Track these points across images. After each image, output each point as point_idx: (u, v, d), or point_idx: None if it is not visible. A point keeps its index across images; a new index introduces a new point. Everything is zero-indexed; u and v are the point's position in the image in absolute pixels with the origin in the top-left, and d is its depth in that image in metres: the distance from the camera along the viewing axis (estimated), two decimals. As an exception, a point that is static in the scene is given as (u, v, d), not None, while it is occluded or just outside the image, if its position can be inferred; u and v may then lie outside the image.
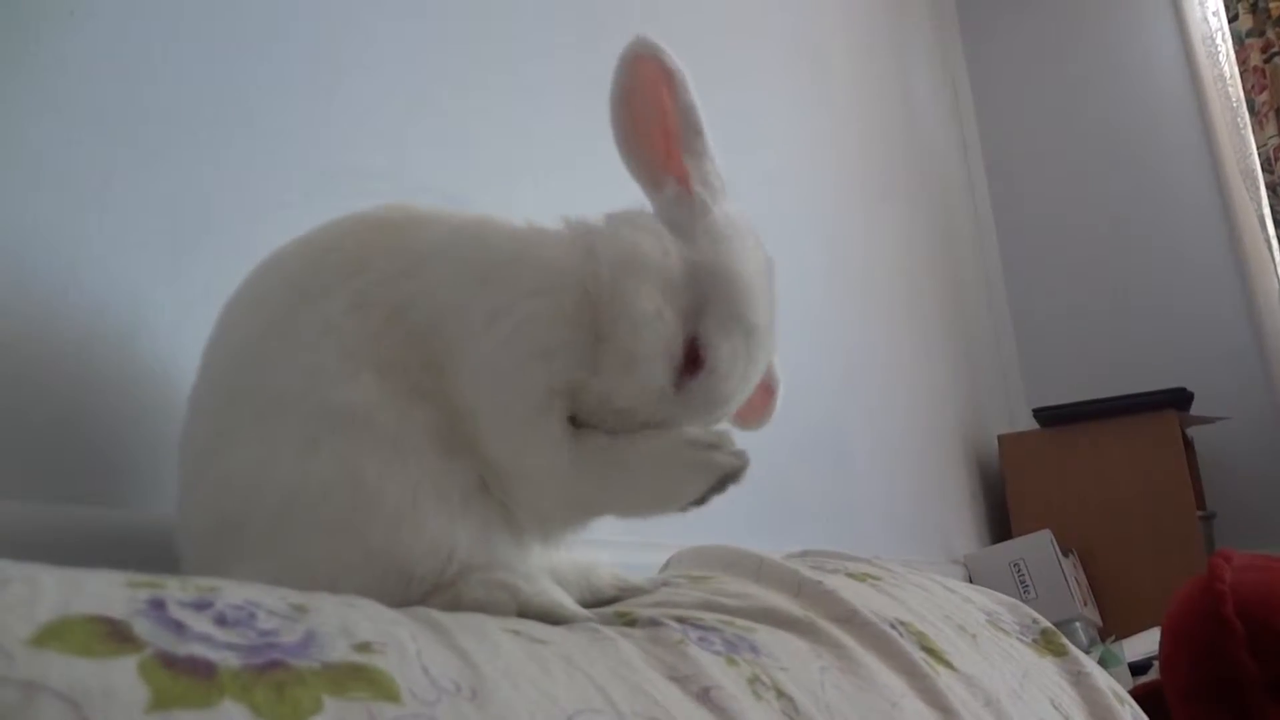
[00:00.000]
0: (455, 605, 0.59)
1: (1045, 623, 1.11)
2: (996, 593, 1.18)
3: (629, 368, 0.63)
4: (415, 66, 1.22)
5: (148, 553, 0.77)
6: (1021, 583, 2.78)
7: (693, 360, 0.65)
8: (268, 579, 0.54)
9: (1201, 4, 3.84)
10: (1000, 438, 3.32)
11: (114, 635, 0.33)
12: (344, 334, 0.62)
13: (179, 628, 0.35)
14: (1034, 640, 1.05)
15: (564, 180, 1.39)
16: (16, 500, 0.73)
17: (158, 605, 0.36)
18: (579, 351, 0.64)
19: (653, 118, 0.71)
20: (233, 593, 0.40)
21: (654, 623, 0.59)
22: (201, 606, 0.38)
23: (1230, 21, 3.64)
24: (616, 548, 1.04)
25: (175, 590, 0.39)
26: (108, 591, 0.36)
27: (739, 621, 0.64)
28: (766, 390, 0.80)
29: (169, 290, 0.88)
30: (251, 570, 0.56)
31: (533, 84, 1.41)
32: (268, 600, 0.41)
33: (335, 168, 1.08)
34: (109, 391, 0.82)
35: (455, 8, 1.30)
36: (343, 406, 0.59)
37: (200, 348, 0.89)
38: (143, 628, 0.34)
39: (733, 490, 0.68)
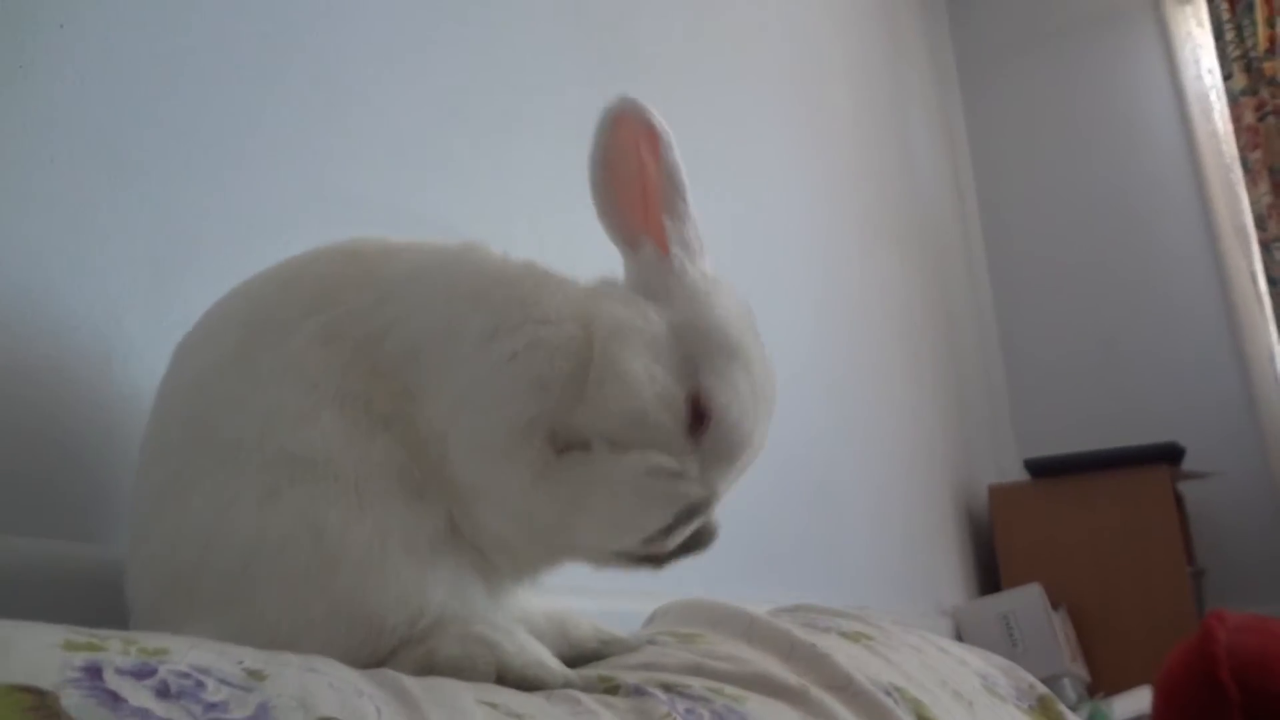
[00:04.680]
0: (429, 663, 0.56)
1: (1041, 688, 1.07)
2: (990, 654, 1.14)
3: (637, 425, 0.61)
4: (416, 97, 1.20)
5: (110, 590, 0.73)
6: (1010, 636, 2.74)
7: (699, 416, 0.63)
8: (227, 637, 0.51)
9: (1196, 62, 3.87)
10: (991, 488, 3.29)
11: (39, 711, 0.30)
12: (307, 368, 0.59)
13: (114, 700, 0.32)
14: (1030, 707, 1.01)
15: (560, 219, 1.37)
16: (-27, 533, 0.70)
17: (93, 672, 0.33)
18: (573, 390, 0.61)
19: (632, 177, 0.70)
20: (181, 656, 0.37)
21: (639, 691, 0.56)
22: (143, 674, 0.34)
23: (1224, 80, 3.67)
24: (600, 596, 1.00)
25: (116, 653, 0.35)
26: (39, 656, 0.33)
27: (728, 689, 0.61)
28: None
29: (147, 313, 0.84)
30: (209, 629, 0.52)
31: (534, 121, 1.39)
32: (220, 666, 0.37)
33: (329, 193, 1.05)
34: (78, 416, 0.78)
35: (459, 41, 1.29)
36: (302, 453, 0.57)
37: (176, 377, 0.87)
38: (72, 701, 0.31)
39: (722, 535, 0.65)
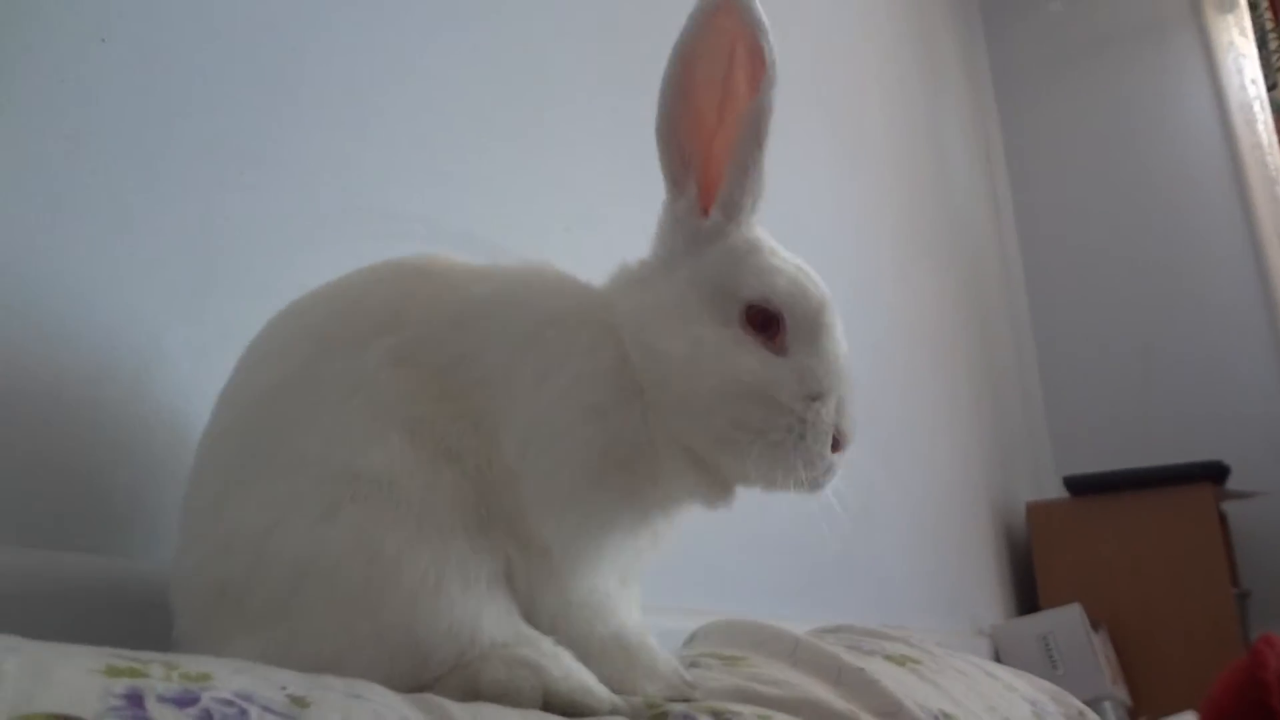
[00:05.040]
0: (473, 685, 0.55)
1: (1090, 715, 1.04)
2: (1036, 678, 1.12)
3: (716, 392, 0.60)
4: (453, 111, 1.19)
5: (151, 607, 0.73)
6: (1050, 658, 2.68)
7: (767, 319, 0.63)
8: (271, 652, 0.50)
9: (1239, 72, 3.81)
10: (1029, 505, 3.24)
11: (80, 742, 0.29)
12: (377, 390, 0.59)
13: (157, 731, 0.31)
14: (1080, 734, 0.98)
15: (594, 230, 1.36)
16: (13, 546, 0.69)
17: (135, 701, 0.32)
18: (631, 405, 0.60)
19: (713, 84, 0.64)
20: (225, 682, 0.36)
21: (687, 718, 0.54)
22: (185, 702, 0.33)
23: (1269, 90, 3.61)
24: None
25: (158, 679, 0.34)
26: (79, 681, 0.32)
27: (777, 716, 0.59)
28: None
29: (186, 328, 0.84)
30: (254, 643, 0.52)
31: (568, 133, 1.39)
32: (263, 692, 0.36)
33: (367, 208, 1.05)
34: (117, 431, 0.78)
35: (490, 52, 1.28)
36: (366, 471, 0.56)
37: (216, 390, 0.86)
38: (114, 730, 0.30)
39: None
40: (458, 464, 0.58)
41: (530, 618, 0.60)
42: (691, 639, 0.90)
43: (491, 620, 0.57)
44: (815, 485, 0.63)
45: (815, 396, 0.61)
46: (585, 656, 0.60)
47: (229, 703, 0.34)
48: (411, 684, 0.53)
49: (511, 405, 0.59)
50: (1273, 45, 3.58)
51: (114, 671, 0.34)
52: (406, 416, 0.58)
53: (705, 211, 0.65)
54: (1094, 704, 2.49)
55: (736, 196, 0.65)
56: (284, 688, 0.38)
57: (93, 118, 0.79)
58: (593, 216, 1.37)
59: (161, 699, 0.33)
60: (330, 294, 0.65)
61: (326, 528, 0.55)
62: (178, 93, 0.86)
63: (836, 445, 0.62)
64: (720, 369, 0.60)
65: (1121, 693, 2.78)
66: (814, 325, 0.63)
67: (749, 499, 0.69)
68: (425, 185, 1.13)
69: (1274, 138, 3.62)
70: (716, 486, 0.63)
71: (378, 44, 1.10)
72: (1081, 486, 3.17)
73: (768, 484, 0.62)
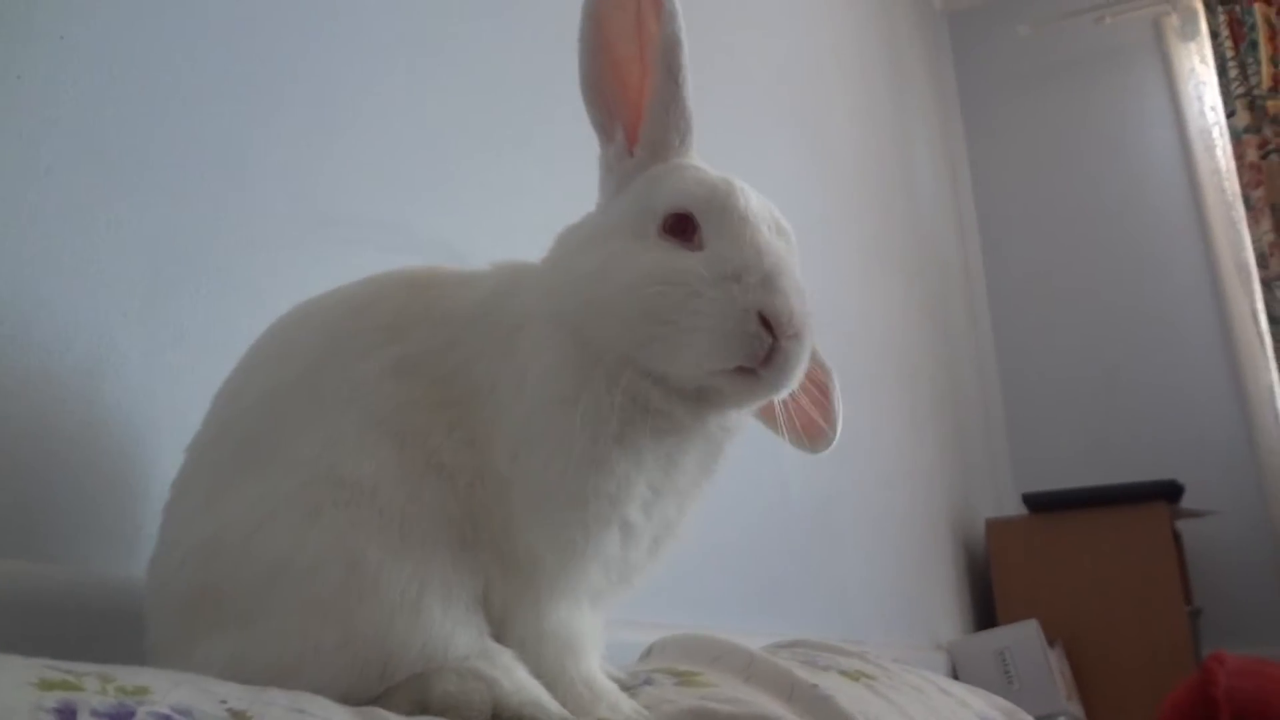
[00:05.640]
0: (423, 697, 0.54)
1: (1043, 731, 1.05)
2: (991, 695, 1.12)
3: (637, 301, 0.59)
4: (417, 117, 1.19)
5: (93, 615, 0.71)
6: (1006, 673, 2.71)
7: (680, 222, 0.61)
8: (235, 654, 0.51)
9: (1200, 98, 3.89)
10: (988, 522, 3.27)
11: (6, 757, 0.28)
12: (373, 401, 0.59)
13: (88, 747, 0.30)
14: (1032, 751, 0.99)
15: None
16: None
17: (68, 715, 0.31)
18: (592, 375, 0.59)
19: (627, 37, 0.64)
20: (163, 696, 0.35)
21: (638, 734, 0.54)
22: (120, 718, 0.32)
23: (1228, 117, 3.68)
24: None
25: (93, 693, 0.33)
26: (9, 695, 0.31)
27: (730, 733, 0.59)
28: (821, 388, 0.71)
29: (140, 330, 0.83)
30: (220, 645, 0.52)
31: (533, 141, 1.38)
32: (201, 706, 0.35)
33: (332, 213, 1.04)
34: (62, 434, 0.76)
35: (460, 63, 1.28)
36: (350, 477, 0.56)
37: (169, 394, 0.84)
38: (43, 747, 0.29)
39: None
40: (448, 479, 0.58)
41: (500, 641, 0.60)
42: (648, 653, 0.90)
43: (464, 641, 0.56)
44: (769, 382, 0.58)
45: (729, 277, 0.58)
46: (552, 691, 0.59)
47: (166, 718, 0.33)
48: (364, 698, 0.53)
49: (500, 414, 0.59)
50: (1232, 73, 3.65)
51: (47, 685, 0.33)
52: (399, 429, 0.58)
53: (632, 154, 0.66)
54: (1049, 719, 2.52)
55: (660, 134, 0.65)
56: (224, 701, 0.37)
57: (49, 117, 0.77)
58: (557, 226, 1.36)
59: (95, 713, 0.32)
60: (334, 303, 0.65)
61: (307, 529, 0.54)
62: (138, 94, 0.85)
63: (772, 328, 0.57)
64: (627, 267, 0.59)
65: (1076, 709, 2.81)
66: (722, 213, 0.61)
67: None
68: (388, 190, 1.12)
69: (1232, 164, 3.69)
70: (675, 398, 0.59)
71: (345, 50, 1.09)
72: (1040, 504, 3.20)
73: (710, 376, 0.58)
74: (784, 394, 0.61)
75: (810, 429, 0.69)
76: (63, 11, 0.80)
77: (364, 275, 0.71)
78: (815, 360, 0.69)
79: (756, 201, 0.64)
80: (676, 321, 0.57)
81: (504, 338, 0.61)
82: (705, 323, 0.56)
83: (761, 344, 0.56)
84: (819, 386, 0.71)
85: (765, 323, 0.56)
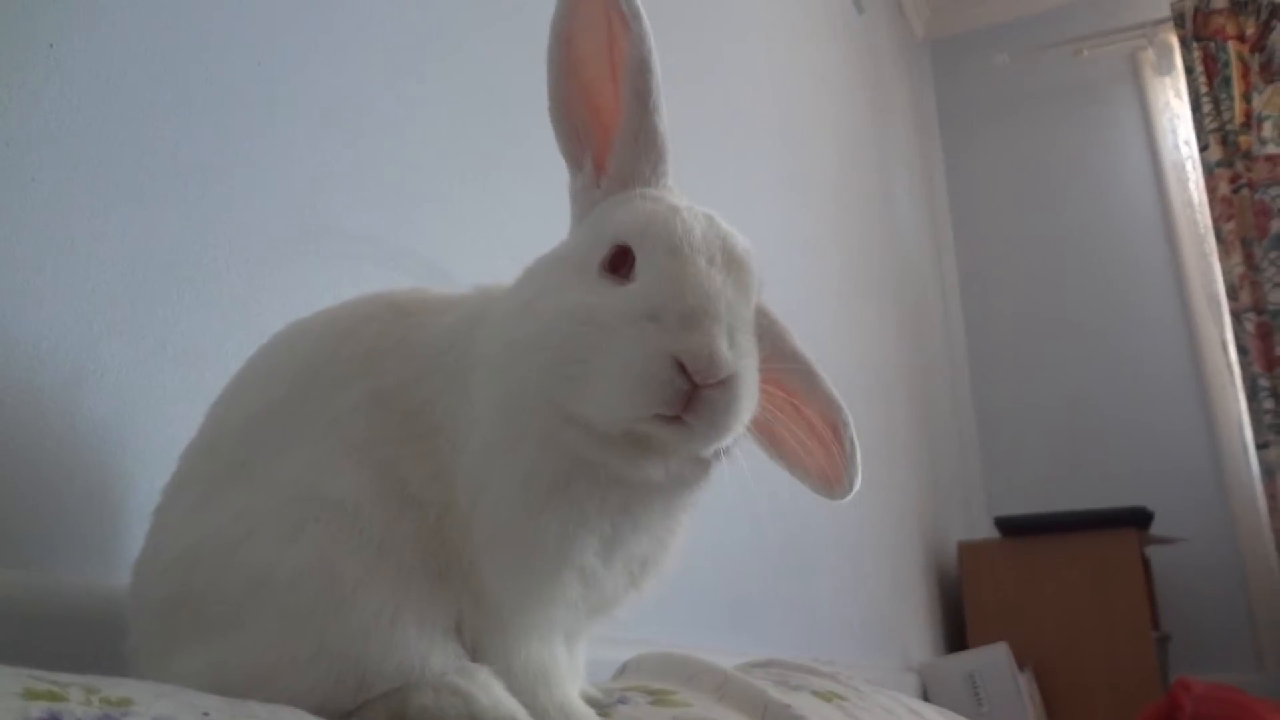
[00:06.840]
0: (400, 711, 0.54)
1: (1011, 754, 1.06)
2: (960, 717, 1.14)
3: (556, 338, 0.55)
4: (409, 131, 1.19)
5: (76, 624, 0.71)
6: (976, 695, 2.72)
7: (618, 257, 0.57)
8: (213, 661, 0.51)
9: (1174, 132, 3.96)
10: (960, 545, 3.29)
11: (-7, 767, 0.28)
12: (352, 429, 0.59)
13: (73, 756, 0.30)
14: (1000, 774, 1.00)
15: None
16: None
17: (53, 725, 0.31)
18: (532, 435, 0.57)
19: (597, 59, 0.61)
20: (146, 707, 0.35)
21: (612, 751, 0.54)
22: (104, 728, 0.33)
23: (1201, 151, 3.74)
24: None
25: (77, 704, 0.34)
26: (-4, 705, 0.31)
27: (703, 753, 0.59)
28: (833, 428, 0.67)
29: (121, 341, 0.83)
30: (198, 654, 0.52)
31: (522, 161, 1.39)
32: (183, 718, 0.36)
33: (313, 226, 1.04)
34: (43, 443, 0.76)
35: (450, 81, 1.29)
36: (332, 495, 0.56)
37: (150, 405, 0.85)
38: (29, 756, 0.29)
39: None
40: (420, 511, 0.58)
41: None
42: (623, 670, 0.91)
43: (441, 658, 0.57)
44: (701, 433, 0.53)
45: (646, 315, 0.52)
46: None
47: (149, 729, 0.34)
48: (338, 713, 0.53)
49: (458, 455, 0.59)
50: (1206, 108, 3.72)
51: (32, 694, 0.33)
52: (377, 458, 0.58)
53: (599, 184, 0.63)
54: (1017, 743, 2.53)
55: (629, 163, 0.61)
56: (206, 714, 0.38)
57: (34, 126, 0.78)
58: (541, 243, 1.37)
59: (80, 724, 0.32)
60: (319, 327, 0.65)
61: (288, 544, 0.55)
62: (124, 105, 0.85)
63: (692, 375, 0.51)
64: (549, 305, 0.55)
65: (1044, 732, 2.82)
66: (655, 245, 0.56)
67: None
68: (375, 205, 1.13)
69: (1204, 197, 3.75)
70: (608, 446, 0.54)
71: (335, 65, 1.10)
72: (1012, 527, 3.23)
73: (634, 423, 0.52)
74: (725, 442, 0.55)
75: (822, 473, 0.66)
76: (51, 21, 0.80)
77: (347, 289, 0.71)
78: (825, 398, 0.66)
79: (701, 232, 0.57)
80: (588, 362, 0.53)
81: (460, 377, 0.60)
82: (614, 365, 0.52)
83: (675, 390, 0.51)
84: (831, 427, 0.67)
85: (683, 367, 0.51)
